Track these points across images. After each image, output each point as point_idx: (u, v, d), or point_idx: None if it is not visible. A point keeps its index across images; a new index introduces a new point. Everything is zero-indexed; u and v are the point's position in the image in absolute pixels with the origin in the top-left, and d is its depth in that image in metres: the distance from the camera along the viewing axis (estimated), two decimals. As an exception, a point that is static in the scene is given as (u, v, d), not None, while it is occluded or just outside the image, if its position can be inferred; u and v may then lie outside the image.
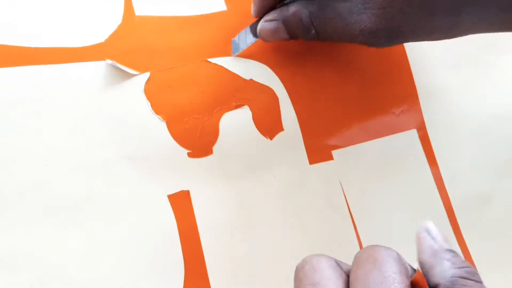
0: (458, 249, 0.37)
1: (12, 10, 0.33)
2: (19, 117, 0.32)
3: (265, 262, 0.34)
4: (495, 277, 0.37)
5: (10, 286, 0.31)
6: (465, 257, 0.37)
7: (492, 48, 0.39)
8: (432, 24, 0.30)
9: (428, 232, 0.26)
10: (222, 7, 0.36)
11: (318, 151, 0.36)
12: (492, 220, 0.38)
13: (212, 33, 0.36)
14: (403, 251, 0.34)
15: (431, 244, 0.25)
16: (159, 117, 0.34)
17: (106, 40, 0.34)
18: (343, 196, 0.36)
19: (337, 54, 0.37)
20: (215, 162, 0.34)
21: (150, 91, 0.34)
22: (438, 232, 0.25)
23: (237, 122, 0.35)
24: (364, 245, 0.35)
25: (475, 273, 0.24)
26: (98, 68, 0.33)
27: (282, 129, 0.35)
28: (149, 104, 0.34)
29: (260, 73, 0.36)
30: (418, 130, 0.38)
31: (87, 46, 0.34)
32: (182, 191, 0.34)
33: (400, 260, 0.25)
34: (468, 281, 0.23)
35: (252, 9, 0.35)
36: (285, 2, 0.33)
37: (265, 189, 0.35)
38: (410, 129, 0.38)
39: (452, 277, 0.23)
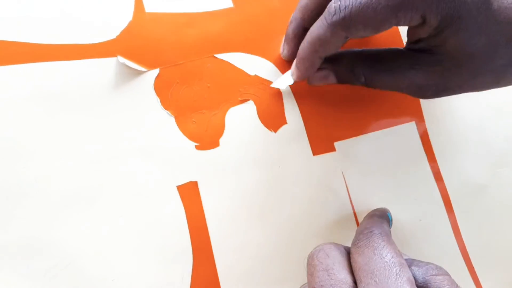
0: (452, 238, 0.38)
1: (24, 8, 0.34)
2: (33, 112, 0.33)
3: (270, 249, 0.35)
4: (490, 265, 0.38)
5: (26, 273, 0.32)
6: (459, 245, 0.38)
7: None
8: (479, 81, 0.30)
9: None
10: (229, 4, 0.37)
11: (321, 143, 0.37)
12: (488, 210, 0.38)
13: (219, 30, 0.36)
14: (400, 238, 0.36)
15: None
16: (168, 112, 0.34)
17: (117, 37, 0.34)
18: (345, 186, 0.37)
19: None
20: (221, 154, 0.35)
21: (159, 87, 0.35)
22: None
23: (242, 116, 0.36)
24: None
25: (440, 267, 0.26)
26: (110, 65, 0.34)
27: (285, 122, 0.36)
28: (159, 99, 0.34)
29: (264, 68, 0.36)
30: (416, 123, 0.38)
31: (99, 43, 0.34)
32: (190, 182, 0.35)
33: (390, 236, 0.28)
34: (438, 277, 0.25)
35: (285, 49, 0.35)
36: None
37: (270, 179, 0.36)
38: (409, 121, 0.38)
39: (423, 278, 0.25)
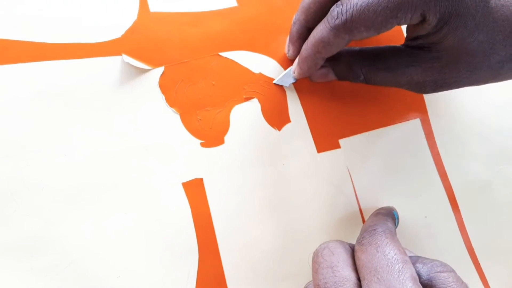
0: (458, 234, 0.38)
1: (30, 8, 0.34)
2: (39, 109, 0.33)
3: (276, 246, 0.35)
4: (496, 261, 0.38)
5: (30, 270, 0.32)
6: (465, 241, 0.38)
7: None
8: (476, 76, 0.31)
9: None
10: (233, 3, 0.37)
11: (325, 140, 0.37)
12: (493, 206, 0.39)
13: (224, 28, 0.36)
14: (406, 235, 0.36)
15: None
16: (173, 109, 0.35)
17: (122, 36, 0.35)
18: (351, 182, 0.37)
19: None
20: (226, 152, 0.35)
21: (164, 85, 0.35)
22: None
23: (246, 114, 0.36)
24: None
25: (446, 264, 0.26)
26: (115, 63, 0.34)
27: (289, 121, 0.36)
28: (164, 97, 0.35)
29: (268, 67, 0.36)
30: (421, 120, 0.38)
31: (104, 42, 0.34)
32: (195, 179, 0.35)
33: (394, 233, 0.28)
34: (443, 273, 0.25)
35: (290, 50, 0.36)
36: None
37: (275, 176, 0.36)
38: (413, 118, 0.38)
39: (428, 275, 0.25)
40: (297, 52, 0.35)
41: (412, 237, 0.38)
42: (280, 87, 0.36)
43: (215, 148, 0.35)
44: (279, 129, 0.36)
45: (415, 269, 0.26)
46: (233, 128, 0.35)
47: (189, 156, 0.35)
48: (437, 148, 0.38)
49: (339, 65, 0.34)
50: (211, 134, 0.35)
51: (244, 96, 0.36)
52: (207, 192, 0.35)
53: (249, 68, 0.36)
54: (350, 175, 0.37)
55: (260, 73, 0.36)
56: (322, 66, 0.35)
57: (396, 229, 0.33)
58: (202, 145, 0.35)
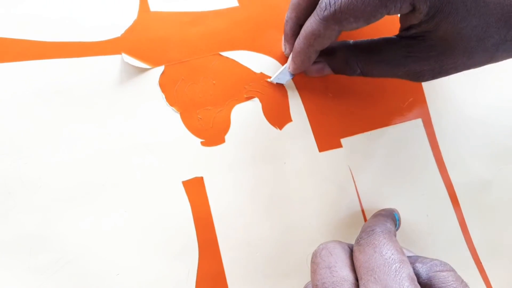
0: (460, 233, 0.38)
1: (32, 7, 0.34)
2: (39, 108, 0.33)
3: (276, 245, 0.35)
4: (498, 259, 0.38)
5: (28, 268, 0.32)
6: (466, 240, 0.38)
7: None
8: (473, 60, 0.31)
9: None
10: (234, 3, 0.37)
11: (326, 140, 0.37)
12: (494, 205, 0.39)
13: (224, 28, 0.36)
14: (407, 233, 0.36)
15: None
16: (173, 108, 0.35)
17: (122, 35, 0.35)
18: (353, 182, 0.37)
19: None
20: (227, 151, 0.35)
21: (164, 84, 0.35)
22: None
23: (247, 113, 0.36)
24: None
25: (445, 263, 0.26)
26: (115, 62, 0.34)
27: (290, 120, 0.36)
28: (164, 96, 0.35)
29: (269, 66, 0.36)
30: (423, 120, 0.38)
31: (104, 41, 0.34)
32: (196, 178, 0.35)
33: (392, 234, 0.28)
34: (442, 273, 0.25)
35: (286, 48, 0.36)
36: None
37: (276, 175, 0.36)
38: (415, 118, 0.38)
39: (427, 274, 0.25)
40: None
41: (413, 236, 0.37)
42: (281, 86, 0.36)
43: (216, 147, 0.35)
44: (280, 128, 0.36)
45: (415, 269, 0.26)
46: (234, 127, 0.35)
47: (189, 154, 0.35)
48: (438, 147, 0.38)
49: (335, 59, 0.34)
50: (212, 133, 0.35)
51: (245, 96, 0.36)
52: (207, 190, 0.35)
53: (250, 67, 0.36)
54: (352, 175, 0.37)
55: (261, 72, 0.36)
56: (317, 62, 0.35)
57: (398, 228, 0.33)
58: (203, 144, 0.35)
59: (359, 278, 0.25)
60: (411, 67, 0.31)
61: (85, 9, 0.35)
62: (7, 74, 0.33)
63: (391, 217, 0.32)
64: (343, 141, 0.37)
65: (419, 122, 0.38)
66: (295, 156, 0.36)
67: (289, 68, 0.35)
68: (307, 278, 0.34)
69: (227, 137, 0.35)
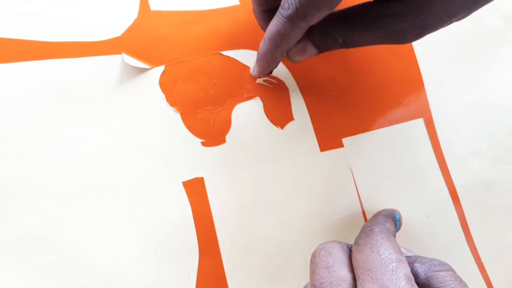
0: (461, 234, 0.38)
1: (32, 7, 0.34)
2: (39, 108, 0.33)
3: (277, 245, 0.35)
4: (499, 260, 0.38)
5: (29, 269, 0.32)
6: (468, 241, 0.38)
7: (494, 41, 0.40)
8: (454, 8, 0.29)
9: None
10: (235, 1, 0.37)
11: (328, 139, 0.37)
12: (496, 206, 0.38)
13: (225, 27, 0.36)
14: (408, 234, 0.36)
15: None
16: (174, 108, 0.35)
17: (123, 35, 0.35)
18: (353, 182, 0.37)
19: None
20: (228, 151, 0.35)
21: (165, 84, 0.35)
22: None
23: (248, 113, 0.36)
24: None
25: (444, 263, 0.25)
26: (115, 62, 0.34)
27: (292, 119, 0.36)
28: (164, 96, 0.35)
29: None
30: (424, 119, 0.38)
31: (104, 40, 0.34)
32: (196, 178, 0.35)
33: (391, 234, 0.27)
34: (441, 272, 0.25)
35: (256, 71, 0.35)
36: None
37: (277, 175, 0.36)
38: (416, 118, 0.38)
39: (425, 274, 0.25)
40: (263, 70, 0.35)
41: (414, 236, 0.37)
42: (283, 86, 0.36)
43: (217, 147, 0.35)
44: (282, 127, 0.36)
45: (413, 269, 0.26)
46: (235, 127, 0.35)
47: (189, 155, 0.35)
48: (440, 147, 0.38)
49: (315, 33, 0.33)
50: (212, 133, 0.35)
51: (246, 95, 0.36)
52: (208, 191, 0.35)
53: (251, 66, 0.36)
54: (352, 175, 0.37)
55: (262, 71, 0.36)
56: (298, 41, 0.33)
57: (399, 229, 0.33)
58: (203, 144, 0.35)
59: (356, 278, 0.25)
60: (392, 27, 0.30)
61: (85, 9, 0.35)
62: (7, 74, 0.33)
63: (391, 217, 0.32)
64: (344, 140, 0.37)
65: (420, 122, 0.38)
66: (297, 156, 0.36)
67: (252, 72, 0.35)
68: (307, 278, 0.34)
69: (228, 137, 0.35)
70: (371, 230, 0.28)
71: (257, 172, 0.35)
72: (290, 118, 0.36)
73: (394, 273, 0.24)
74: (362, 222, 0.37)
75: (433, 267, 0.26)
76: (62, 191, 0.33)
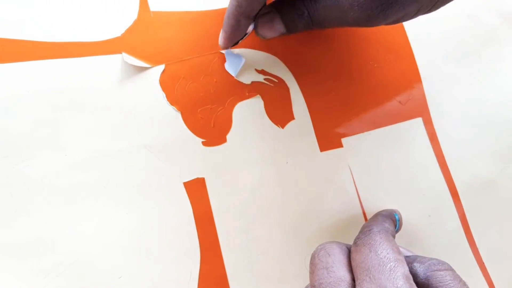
0: (462, 233, 0.38)
1: (33, 8, 0.34)
2: (40, 109, 0.33)
3: (278, 245, 0.35)
4: (500, 259, 0.38)
5: (31, 271, 0.32)
6: (469, 240, 0.38)
7: (493, 40, 0.40)
8: None
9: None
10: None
11: (328, 139, 0.37)
12: (497, 205, 0.38)
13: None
14: (409, 234, 0.36)
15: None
16: (174, 107, 0.34)
17: (123, 35, 0.35)
18: (353, 181, 0.37)
19: (345, 46, 0.38)
20: (229, 150, 0.35)
21: (165, 83, 0.35)
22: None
23: (249, 112, 0.36)
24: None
25: (443, 262, 0.26)
26: (115, 61, 0.34)
27: (293, 118, 0.36)
28: (164, 95, 0.34)
29: (271, 64, 0.36)
30: (423, 119, 0.38)
31: (105, 40, 0.34)
32: (197, 178, 0.34)
33: (390, 234, 0.27)
34: (440, 272, 0.25)
35: (222, 38, 0.34)
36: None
37: (278, 176, 0.36)
38: (415, 117, 0.38)
39: (425, 274, 0.25)
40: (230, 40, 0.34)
41: (415, 236, 0.37)
42: (284, 85, 0.36)
43: (217, 147, 0.35)
44: (283, 126, 0.36)
45: (413, 268, 0.26)
46: (236, 126, 0.35)
47: (190, 155, 0.35)
48: (439, 146, 0.38)
49: (282, 6, 0.32)
50: (213, 132, 0.35)
51: (247, 94, 0.36)
52: (209, 191, 0.35)
53: (252, 65, 0.36)
54: (352, 175, 0.37)
55: (262, 69, 0.36)
56: (265, 13, 0.32)
57: (399, 229, 0.33)
58: (204, 144, 0.35)
59: (355, 278, 0.25)
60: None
61: (85, 9, 0.35)
62: (7, 75, 0.33)
63: (390, 217, 0.32)
64: (343, 140, 0.37)
65: (419, 121, 0.38)
66: (297, 155, 0.36)
67: (220, 43, 0.34)
68: (308, 279, 0.34)
69: (228, 136, 0.35)
70: (369, 230, 0.28)
71: (258, 172, 0.35)
72: (290, 117, 0.36)
73: (392, 272, 0.24)
74: (362, 222, 0.37)
75: (432, 267, 0.26)
76: (63, 193, 0.33)
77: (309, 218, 0.36)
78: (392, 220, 0.31)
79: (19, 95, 0.33)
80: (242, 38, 0.34)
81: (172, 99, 0.35)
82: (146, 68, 0.34)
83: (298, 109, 0.36)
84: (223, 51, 0.35)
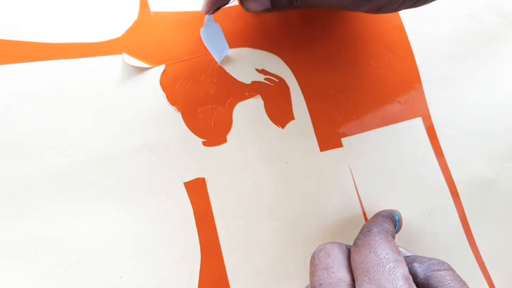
0: (462, 233, 0.38)
1: (34, 9, 0.34)
2: (41, 109, 0.33)
3: (278, 245, 0.35)
4: (500, 259, 0.38)
5: (32, 271, 0.32)
6: (469, 240, 0.38)
7: (492, 40, 0.40)
8: None
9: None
10: (234, 2, 0.36)
11: (328, 139, 0.37)
12: (497, 204, 0.38)
13: (226, 26, 0.36)
14: (409, 233, 0.36)
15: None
16: (175, 108, 0.34)
17: (123, 35, 0.35)
18: (353, 181, 0.37)
19: (346, 46, 0.38)
20: (229, 150, 0.35)
21: (165, 83, 0.35)
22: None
23: (250, 112, 0.36)
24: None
25: (443, 262, 0.26)
26: (116, 62, 0.34)
27: (293, 118, 0.36)
28: (165, 95, 0.34)
29: (272, 63, 0.36)
30: (423, 118, 0.38)
31: (105, 41, 0.34)
32: (198, 179, 0.35)
33: (389, 234, 0.27)
34: (439, 272, 0.25)
35: (205, 2, 0.33)
36: None
37: (278, 176, 0.36)
38: (415, 117, 0.38)
39: (424, 274, 0.25)
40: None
41: (415, 236, 0.37)
42: (284, 84, 0.36)
43: (218, 147, 0.35)
44: (283, 126, 0.36)
45: (412, 269, 0.26)
46: (236, 126, 0.35)
47: (191, 155, 0.35)
48: (439, 146, 0.38)
49: None
50: (213, 132, 0.35)
51: (247, 93, 0.36)
52: (209, 191, 0.35)
53: (252, 65, 0.36)
54: (352, 175, 0.37)
55: (263, 69, 0.36)
56: None
57: (399, 229, 0.33)
58: (204, 144, 0.35)
59: (355, 279, 0.25)
60: None
61: (86, 10, 0.35)
62: (9, 76, 0.33)
63: (390, 218, 0.32)
64: (344, 140, 0.37)
65: (419, 120, 0.38)
66: (297, 155, 0.36)
67: (202, 7, 0.33)
68: (308, 279, 0.34)
69: (229, 136, 0.35)
70: (369, 230, 0.28)
71: (259, 172, 0.35)
72: (291, 117, 0.36)
73: (391, 273, 0.24)
74: (362, 222, 0.37)
75: (432, 267, 0.26)
76: (64, 193, 0.33)
77: (309, 218, 0.36)
78: (392, 221, 0.32)
79: (20, 96, 0.33)
80: (224, 5, 0.33)
81: (173, 99, 0.35)
82: (147, 69, 0.34)
83: (298, 109, 0.36)
84: (204, 18, 0.35)
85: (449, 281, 0.25)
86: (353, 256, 0.26)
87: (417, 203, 0.38)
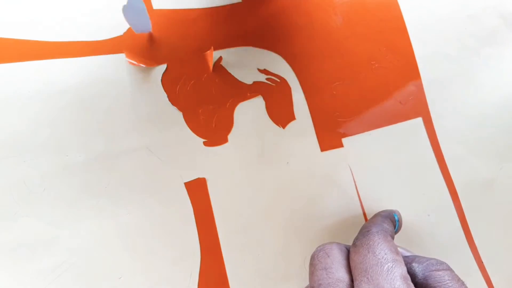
0: (461, 233, 0.38)
1: (37, 8, 0.34)
2: (42, 108, 0.33)
3: (279, 246, 0.35)
4: (499, 259, 0.38)
5: (32, 272, 0.32)
6: (468, 240, 0.38)
7: (492, 40, 0.40)
8: None
9: None
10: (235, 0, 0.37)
11: (328, 139, 0.37)
12: (496, 204, 0.38)
13: (227, 25, 0.36)
14: (408, 233, 0.36)
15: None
16: (176, 108, 0.34)
17: (125, 34, 0.34)
18: (353, 181, 0.37)
19: (346, 46, 0.37)
20: (230, 151, 0.35)
21: (167, 83, 0.34)
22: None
23: (251, 112, 0.36)
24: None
25: (442, 262, 0.26)
26: (117, 61, 0.34)
27: (294, 118, 0.36)
28: (166, 95, 0.34)
29: (274, 63, 0.36)
30: (423, 118, 0.38)
31: (106, 40, 0.34)
32: (198, 179, 0.34)
33: (388, 234, 0.27)
34: (438, 272, 0.25)
35: None
36: None
37: (279, 176, 0.36)
38: (415, 117, 0.38)
39: (423, 274, 0.25)
40: None
41: (414, 236, 0.37)
42: (286, 84, 0.36)
43: (219, 147, 0.35)
44: (284, 127, 0.36)
45: (411, 269, 0.26)
46: (237, 126, 0.35)
47: (191, 155, 0.35)
48: (439, 146, 0.38)
49: None
50: (215, 132, 0.35)
51: (249, 94, 0.36)
52: (210, 192, 0.35)
53: (254, 64, 0.36)
54: (352, 174, 0.37)
55: (265, 69, 0.36)
56: None
57: (399, 230, 0.33)
58: (205, 144, 0.35)
59: (354, 279, 0.25)
60: None
61: (87, 8, 0.34)
62: (9, 74, 0.33)
63: (389, 218, 0.32)
64: (344, 140, 0.37)
65: (419, 121, 0.38)
66: (298, 156, 0.36)
67: None
68: (308, 280, 0.34)
69: (230, 136, 0.35)
70: (368, 231, 0.28)
71: (259, 172, 0.35)
72: (292, 117, 0.36)
73: (389, 273, 0.24)
74: (362, 222, 0.37)
75: (430, 267, 0.26)
76: (64, 193, 0.33)
77: (309, 218, 0.36)
78: (391, 221, 0.32)
79: (20, 95, 0.33)
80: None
81: (174, 99, 0.34)
82: (148, 68, 0.34)
83: (299, 109, 0.36)
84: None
85: (448, 281, 0.25)
86: (352, 256, 0.26)
87: (417, 203, 0.38)
